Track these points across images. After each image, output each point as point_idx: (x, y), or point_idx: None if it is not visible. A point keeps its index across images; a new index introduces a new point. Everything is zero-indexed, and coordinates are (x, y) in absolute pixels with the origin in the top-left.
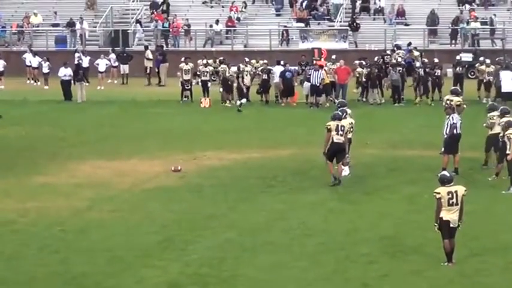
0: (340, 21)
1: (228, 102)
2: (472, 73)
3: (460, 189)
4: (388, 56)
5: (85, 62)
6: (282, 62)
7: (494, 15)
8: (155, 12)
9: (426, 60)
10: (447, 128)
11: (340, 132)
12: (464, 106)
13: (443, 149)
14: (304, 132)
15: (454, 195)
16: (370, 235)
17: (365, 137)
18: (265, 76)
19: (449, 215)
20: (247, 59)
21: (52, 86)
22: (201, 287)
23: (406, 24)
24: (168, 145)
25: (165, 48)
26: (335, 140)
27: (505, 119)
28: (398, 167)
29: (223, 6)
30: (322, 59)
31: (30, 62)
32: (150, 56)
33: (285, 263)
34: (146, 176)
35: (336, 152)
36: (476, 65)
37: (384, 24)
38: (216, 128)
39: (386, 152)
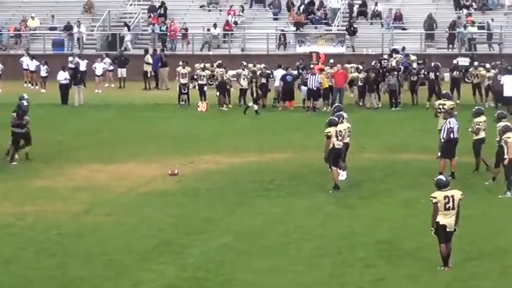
0: (338, 26)
1: (225, 106)
2: (469, 78)
3: (457, 194)
4: (386, 61)
5: (82, 65)
6: (282, 66)
7: (492, 19)
8: (152, 16)
9: (439, 64)
10: (444, 132)
11: (340, 138)
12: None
13: (440, 154)
14: (301, 136)
15: (451, 199)
16: (366, 239)
17: (362, 141)
18: (263, 80)
19: (446, 219)
20: (244, 63)
21: (50, 90)
22: None
23: (404, 29)
24: (164, 149)
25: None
26: (336, 146)
27: (501, 124)
28: (395, 171)
29: (220, 10)
30: (320, 63)
31: (27, 65)
32: (150, 61)
33: (282, 267)
34: (143, 180)
35: (338, 157)
36: (470, 70)
37: (381, 28)
38: (213, 131)
39: (383, 156)
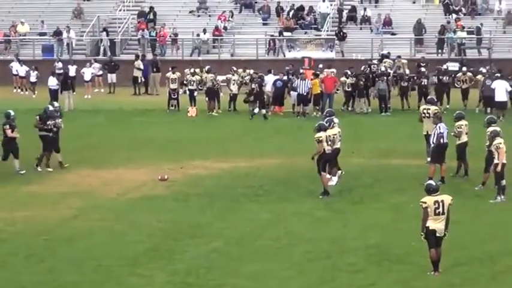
0: (327, 31)
1: (214, 111)
2: (459, 82)
3: (447, 199)
4: (375, 66)
5: (71, 71)
6: (272, 71)
7: (481, 24)
8: (140, 21)
9: (443, 68)
10: (434, 137)
11: (329, 143)
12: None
13: (429, 159)
14: (291, 142)
15: (441, 204)
16: (356, 244)
17: (351, 146)
18: (253, 85)
19: (436, 224)
20: (234, 68)
21: (40, 95)
22: None
23: (393, 34)
24: (154, 154)
25: (152, 57)
26: (326, 151)
27: (490, 129)
28: (384, 176)
29: (210, 16)
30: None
31: (17, 71)
32: (141, 66)
33: (272, 271)
34: (133, 185)
35: (327, 162)
36: (458, 75)
37: (370, 33)
38: (203, 137)
39: (373, 161)
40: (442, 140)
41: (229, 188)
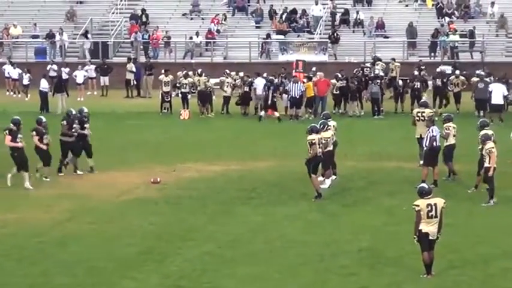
0: (320, 34)
1: (206, 113)
2: (451, 86)
3: (439, 202)
4: (368, 69)
5: (64, 73)
6: (265, 74)
7: (474, 27)
8: (132, 24)
9: (445, 70)
10: (427, 140)
11: (321, 145)
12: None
13: (422, 162)
14: (284, 145)
15: (433, 207)
16: (349, 247)
17: (344, 149)
18: (246, 88)
19: (429, 227)
20: (227, 71)
21: (33, 98)
22: None
23: (386, 37)
24: (147, 157)
25: (144, 60)
26: (317, 154)
27: (482, 132)
28: (377, 179)
29: (203, 18)
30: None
31: (9, 73)
32: (133, 69)
33: (265, 274)
34: (125, 188)
35: (318, 165)
36: (451, 78)
37: (363, 36)
38: (195, 140)
39: (366, 164)
40: (435, 143)
41: (222, 190)
